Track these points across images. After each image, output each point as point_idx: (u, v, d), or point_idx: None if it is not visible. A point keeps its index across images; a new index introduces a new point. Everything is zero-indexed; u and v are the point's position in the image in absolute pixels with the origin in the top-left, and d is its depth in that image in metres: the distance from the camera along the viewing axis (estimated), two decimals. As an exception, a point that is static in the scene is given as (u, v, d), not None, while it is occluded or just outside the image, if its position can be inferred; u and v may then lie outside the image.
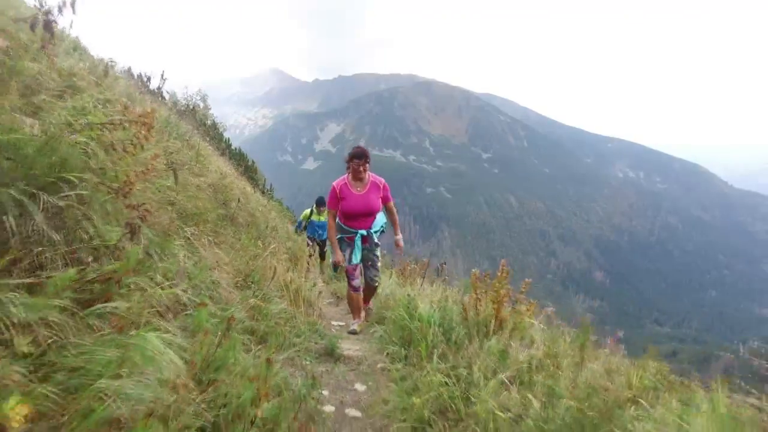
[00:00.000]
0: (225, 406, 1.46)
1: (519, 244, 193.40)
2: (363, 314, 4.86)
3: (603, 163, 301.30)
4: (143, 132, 1.76)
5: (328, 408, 2.37)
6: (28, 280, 1.11)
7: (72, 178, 1.30)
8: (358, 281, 4.65)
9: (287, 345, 2.71)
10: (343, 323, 5.00)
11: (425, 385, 2.18)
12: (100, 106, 2.01)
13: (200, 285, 2.15)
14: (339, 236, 4.56)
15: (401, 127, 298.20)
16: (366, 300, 5.04)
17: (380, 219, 4.69)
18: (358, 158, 4.36)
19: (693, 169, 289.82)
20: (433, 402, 2.06)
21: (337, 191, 4.43)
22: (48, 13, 2.06)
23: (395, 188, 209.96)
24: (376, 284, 4.81)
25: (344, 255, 4.52)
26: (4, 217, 1.12)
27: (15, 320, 1.00)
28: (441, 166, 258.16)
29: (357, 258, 4.51)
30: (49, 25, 2.06)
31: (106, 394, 1.03)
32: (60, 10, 2.14)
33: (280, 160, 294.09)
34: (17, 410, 0.84)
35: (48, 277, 1.12)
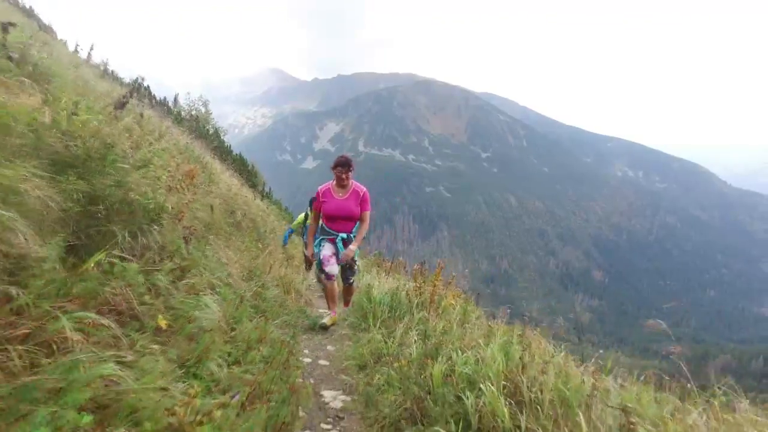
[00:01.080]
0: (241, 342, 2.60)
1: (518, 243, 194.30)
2: (336, 308, 5.10)
3: (602, 163, 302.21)
4: (188, 180, 2.97)
5: (307, 360, 3.57)
6: (155, 268, 2.28)
7: (163, 217, 2.59)
8: (333, 268, 4.74)
9: (279, 318, 3.90)
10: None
11: (368, 341, 3.41)
12: (155, 158, 3.21)
13: (221, 276, 3.30)
14: (321, 237, 4.82)
15: (400, 127, 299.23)
16: (346, 301, 5.43)
17: None
18: (342, 166, 4.61)
19: (692, 168, 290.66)
20: (373, 351, 3.27)
21: (320, 194, 4.75)
22: (124, 96, 3.19)
23: (394, 187, 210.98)
24: (352, 281, 5.15)
25: (324, 251, 4.72)
26: (143, 238, 2.34)
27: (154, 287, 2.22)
28: (440, 165, 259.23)
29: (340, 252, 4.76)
30: (122, 105, 3.18)
31: (191, 320, 2.18)
32: (131, 94, 3.28)
33: (279, 160, 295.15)
34: (162, 322, 1.95)
35: (159, 268, 2.32)
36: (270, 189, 27.29)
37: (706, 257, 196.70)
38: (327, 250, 4.73)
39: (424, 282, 4.40)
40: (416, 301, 4.13)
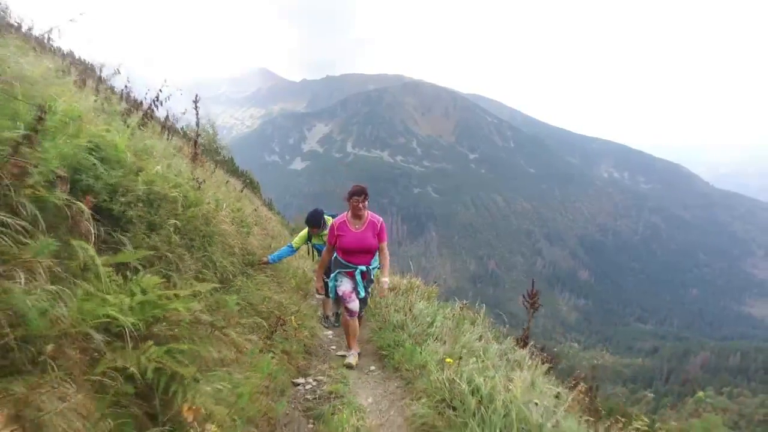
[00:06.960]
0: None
1: (505, 243, 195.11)
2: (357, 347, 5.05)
3: (588, 164, 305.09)
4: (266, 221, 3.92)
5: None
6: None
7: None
8: (355, 304, 4.73)
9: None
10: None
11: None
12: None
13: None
14: (337, 270, 4.77)
15: (389, 128, 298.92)
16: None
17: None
18: (357, 195, 4.45)
19: (675, 169, 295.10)
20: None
21: (335, 228, 4.64)
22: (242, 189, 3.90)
23: (383, 188, 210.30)
24: (361, 315, 5.17)
25: (343, 287, 4.70)
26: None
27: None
28: (428, 166, 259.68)
29: (362, 292, 4.71)
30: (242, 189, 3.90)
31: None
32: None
33: (268, 161, 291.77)
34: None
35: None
36: (271, 200, 28.00)
37: (689, 256, 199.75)
38: (347, 285, 4.71)
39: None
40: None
